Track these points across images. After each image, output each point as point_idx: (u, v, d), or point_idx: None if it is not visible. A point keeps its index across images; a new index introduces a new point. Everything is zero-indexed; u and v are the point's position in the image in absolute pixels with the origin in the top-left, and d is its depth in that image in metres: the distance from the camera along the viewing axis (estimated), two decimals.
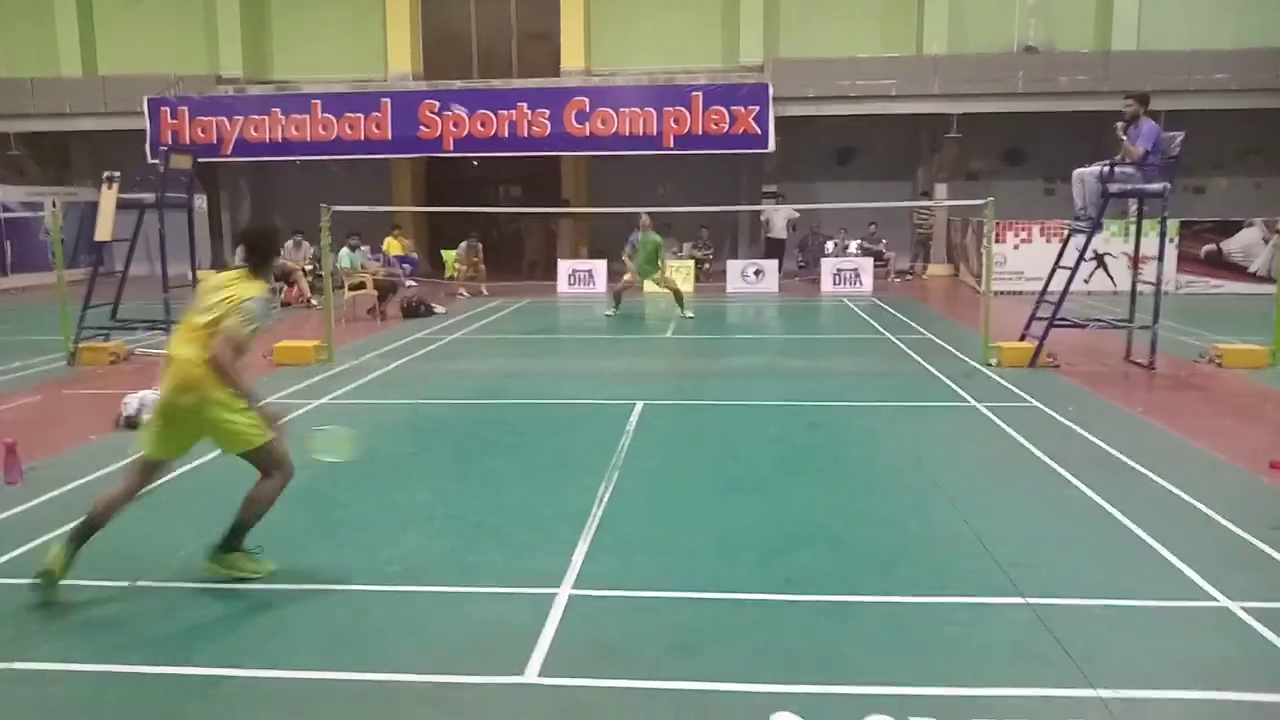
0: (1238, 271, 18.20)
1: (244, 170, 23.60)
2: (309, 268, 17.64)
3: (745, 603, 4.34)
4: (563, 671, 3.70)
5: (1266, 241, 17.95)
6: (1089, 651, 3.81)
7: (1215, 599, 4.29)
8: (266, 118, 20.86)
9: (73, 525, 4.49)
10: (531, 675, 3.67)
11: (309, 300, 16.92)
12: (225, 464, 6.66)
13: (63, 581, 4.36)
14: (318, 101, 20.82)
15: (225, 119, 20.97)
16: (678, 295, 15.02)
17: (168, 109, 20.98)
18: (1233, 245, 18.29)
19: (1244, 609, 4.16)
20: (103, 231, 10.98)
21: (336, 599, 4.42)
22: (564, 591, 4.43)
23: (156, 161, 11.79)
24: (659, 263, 15.25)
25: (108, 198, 10.90)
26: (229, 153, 21.10)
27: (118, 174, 10.96)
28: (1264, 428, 7.65)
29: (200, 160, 13.78)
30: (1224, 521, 5.30)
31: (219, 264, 23.06)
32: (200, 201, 21.43)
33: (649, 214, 15.27)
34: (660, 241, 15.32)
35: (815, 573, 4.68)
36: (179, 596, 4.46)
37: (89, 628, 4.15)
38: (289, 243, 18.45)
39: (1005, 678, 3.60)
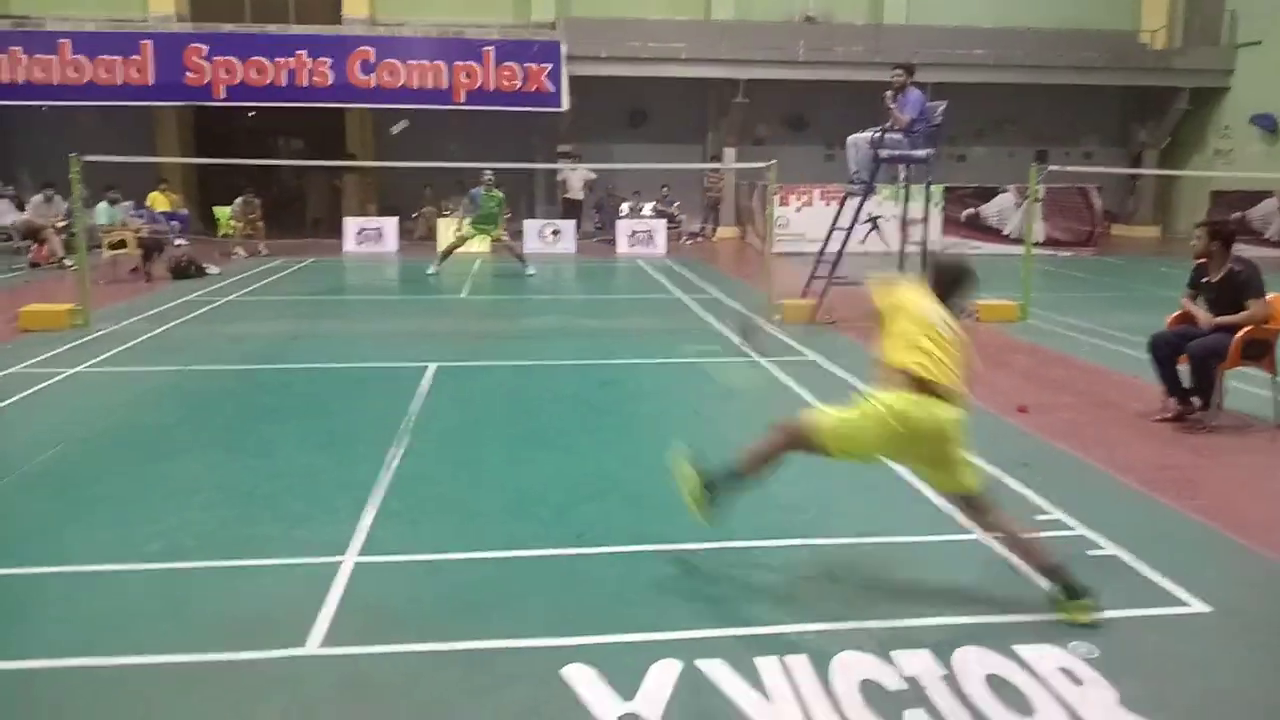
0: (994, 234, 19.82)
1: None
2: (61, 224, 16.03)
3: (537, 559, 4.32)
4: (346, 640, 3.55)
5: (1018, 206, 19.61)
6: (860, 586, 4.05)
7: (970, 533, 4.64)
8: (5, 56, 18.71)
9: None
10: (313, 646, 3.50)
11: (61, 260, 15.40)
12: None
13: None
14: (66, 41, 18.86)
15: None
16: (518, 253, 15.60)
17: None
18: (990, 209, 19.88)
19: (995, 539, 4.53)
20: None
21: (90, 582, 4.05)
22: (349, 559, 4.25)
23: None
24: (499, 221, 15.24)
25: None
26: None
27: None
28: (1012, 375, 8.37)
29: None
30: (978, 461, 5.73)
31: None
32: None
33: (491, 170, 15.14)
34: (503, 198, 15.30)
35: (606, 525, 4.72)
36: None
37: None
38: (38, 197, 16.70)
39: (786, 615, 3.77)
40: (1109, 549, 4.45)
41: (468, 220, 15.19)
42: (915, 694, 3.25)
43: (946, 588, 4.08)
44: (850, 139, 11.04)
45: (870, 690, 3.26)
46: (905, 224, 11.58)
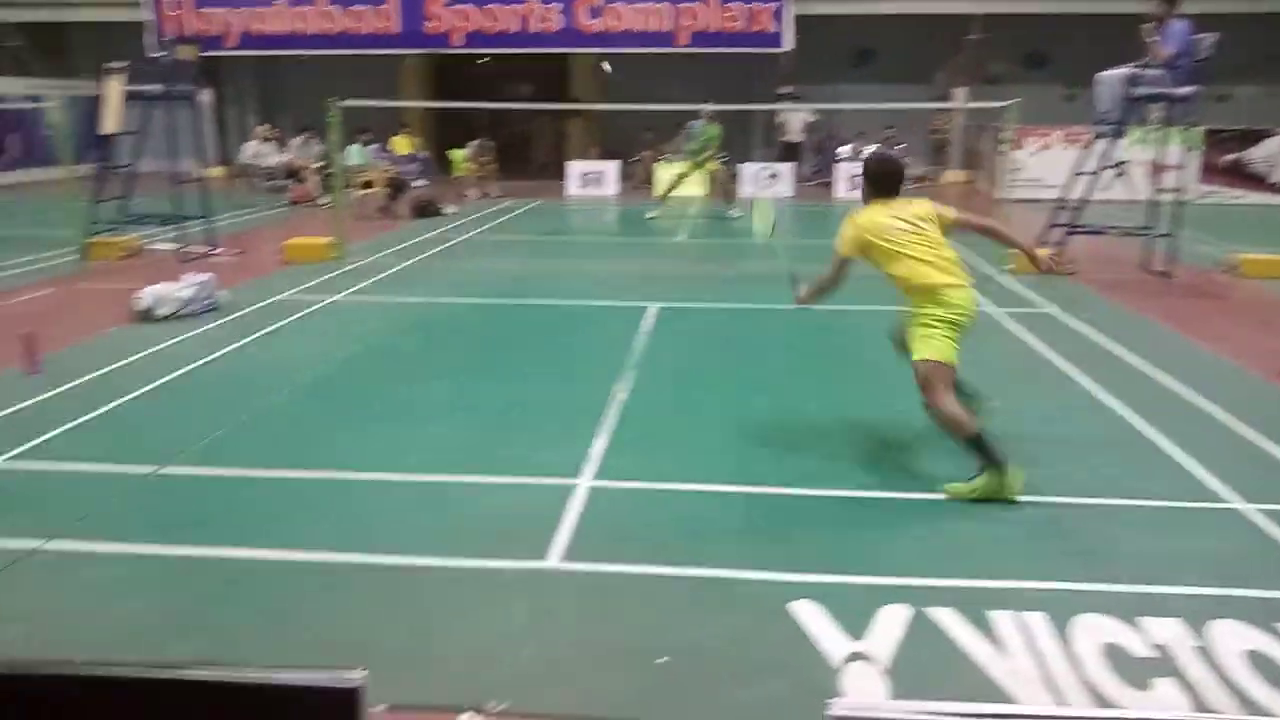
0: (1258, 182, 17.90)
1: (249, 64, 23.09)
2: (317, 165, 17.42)
3: (763, 495, 4.40)
4: (584, 556, 3.77)
5: None
6: (1103, 548, 3.87)
7: (1227, 500, 4.33)
8: (269, 9, 20.33)
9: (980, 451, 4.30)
10: (554, 560, 3.75)
11: (316, 199, 16.77)
12: (240, 357, 6.73)
13: (82, 465, 4.47)
14: None
15: (229, 10, 20.43)
16: (730, 193, 15.86)
17: None
18: (1255, 154, 17.95)
19: (1256, 509, 4.21)
20: (109, 123, 10.81)
21: (359, 486, 4.49)
22: (584, 482, 4.49)
23: (162, 53, 11.50)
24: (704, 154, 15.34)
25: (113, 89, 10.69)
26: (233, 45, 20.62)
27: (125, 64, 10.73)
28: (1278, 335, 7.63)
29: (203, 54, 13.49)
30: (1236, 425, 5.32)
31: (227, 160, 22.81)
32: (206, 95, 21.06)
33: (712, 106, 15.18)
34: (718, 133, 15.35)
35: (831, 467, 4.73)
36: (201, 483, 4.53)
37: (116, 512, 4.22)
38: (297, 140, 18.22)
39: (1020, 571, 3.67)
40: None
41: (686, 149, 15.44)
42: (1165, 663, 3.10)
43: (1200, 557, 3.83)
44: (1100, 76, 10.23)
45: (1115, 654, 3.14)
46: (1158, 169, 10.68)
